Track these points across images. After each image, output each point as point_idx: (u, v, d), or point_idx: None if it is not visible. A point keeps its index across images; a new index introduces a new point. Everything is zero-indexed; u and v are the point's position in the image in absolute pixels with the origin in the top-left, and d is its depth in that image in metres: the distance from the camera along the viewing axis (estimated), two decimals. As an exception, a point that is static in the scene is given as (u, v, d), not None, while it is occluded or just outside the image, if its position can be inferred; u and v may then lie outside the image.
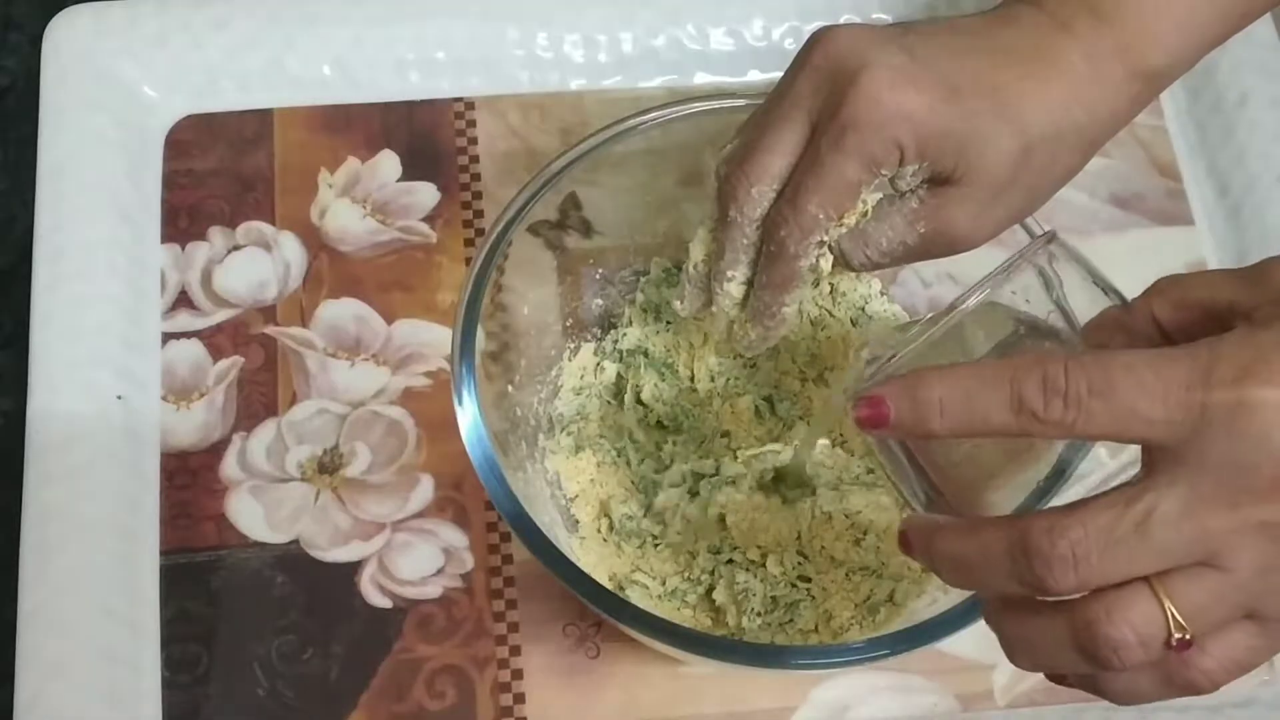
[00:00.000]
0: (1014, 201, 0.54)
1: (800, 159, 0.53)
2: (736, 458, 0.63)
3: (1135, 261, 0.73)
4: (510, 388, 0.62)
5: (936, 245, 0.55)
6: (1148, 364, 0.40)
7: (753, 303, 0.56)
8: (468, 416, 0.57)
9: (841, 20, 0.76)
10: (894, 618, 0.60)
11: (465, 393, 0.57)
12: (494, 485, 0.55)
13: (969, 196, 0.53)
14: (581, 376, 0.66)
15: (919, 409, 0.42)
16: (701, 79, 0.76)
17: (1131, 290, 0.72)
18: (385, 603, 0.64)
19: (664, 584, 0.62)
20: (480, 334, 0.58)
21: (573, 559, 0.56)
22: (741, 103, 0.63)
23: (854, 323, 0.66)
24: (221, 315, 0.70)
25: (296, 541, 0.65)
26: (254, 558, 0.64)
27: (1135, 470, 0.43)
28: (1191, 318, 0.46)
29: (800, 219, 0.52)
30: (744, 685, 0.62)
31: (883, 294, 0.67)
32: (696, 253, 0.57)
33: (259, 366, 0.68)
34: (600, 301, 0.67)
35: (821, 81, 0.52)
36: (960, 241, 0.54)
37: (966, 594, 0.54)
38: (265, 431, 0.67)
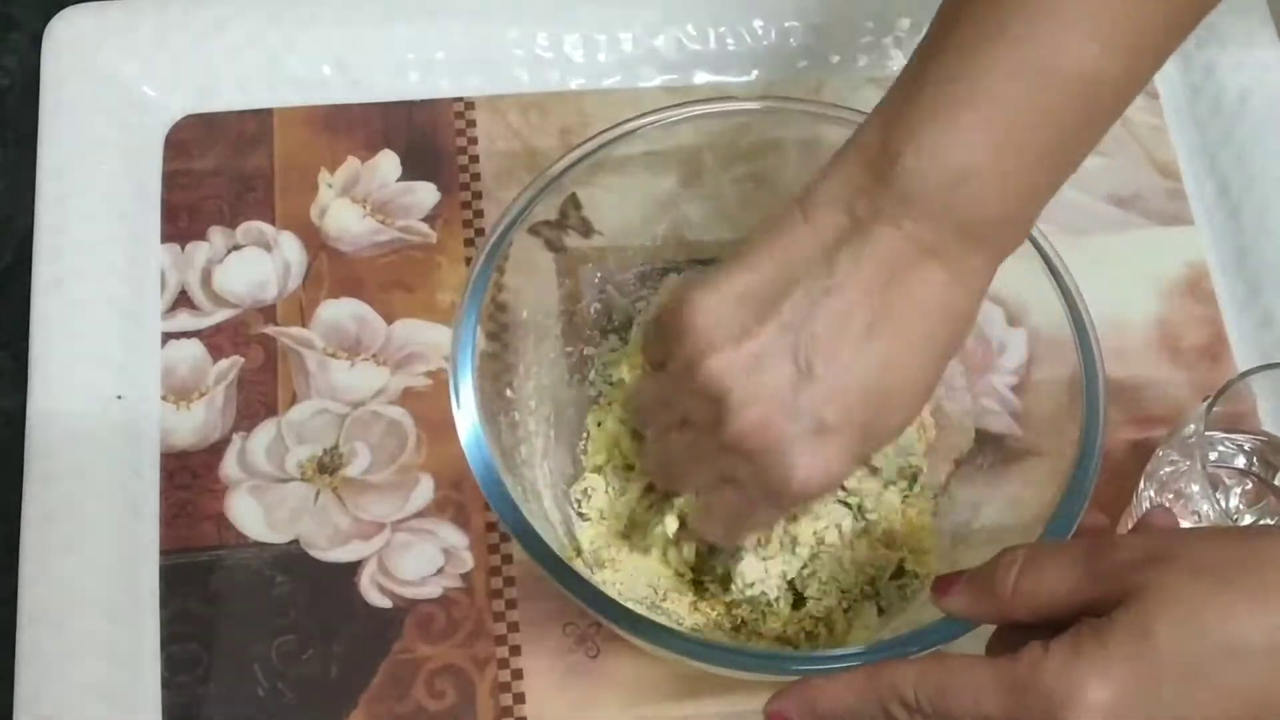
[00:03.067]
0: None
1: (722, 502, 0.56)
2: None
3: (1135, 261, 0.73)
4: (510, 391, 0.62)
5: None
6: (972, 687, 0.45)
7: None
8: (466, 420, 0.57)
9: (833, 19, 0.76)
10: (896, 617, 0.61)
11: (464, 395, 0.57)
12: (492, 489, 0.55)
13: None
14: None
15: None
16: (701, 79, 0.76)
17: (1132, 289, 0.72)
18: (385, 603, 0.64)
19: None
20: (480, 335, 0.58)
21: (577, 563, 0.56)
22: (741, 105, 0.63)
23: None
24: (221, 315, 0.70)
25: (296, 541, 0.65)
26: (254, 558, 0.64)
27: None
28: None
29: (730, 543, 0.60)
30: (745, 685, 0.62)
31: None
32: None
33: (259, 366, 0.68)
34: (599, 304, 0.67)
35: (744, 461, 0.53)
36: None
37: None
38: (265, 431, 0.67)
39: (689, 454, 0.56)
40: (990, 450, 0.63)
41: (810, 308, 0.51)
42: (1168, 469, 0.60)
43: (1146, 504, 0.62)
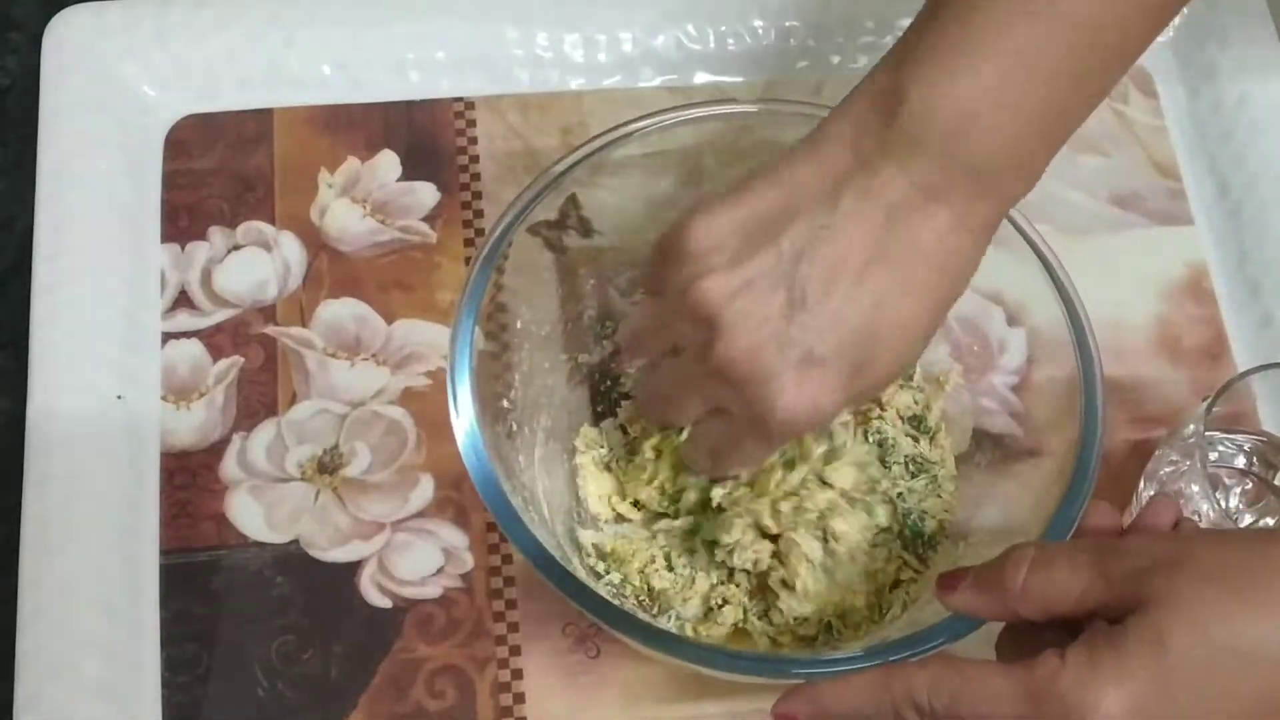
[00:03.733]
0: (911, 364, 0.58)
1: (715, 433, 0.57)
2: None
3: (1135, 261, 0.73)
4: (509, 393, 0.62)
5: None
6: (987, 694, 0.46)
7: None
8: (464, 426, 0.56)
9: (833, 19, 0.76)
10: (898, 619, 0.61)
11: (462, 401, 0.57)
12: (491, 495, 0.55)
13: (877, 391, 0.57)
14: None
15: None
16: (701, 79, 0.76)
17: (1132, 289, 0.72)
18: (385, 602, 0.64)
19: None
20: (479, 334, 0.58)
21: (577, 567, 0.56)
22: (740, 109, 0.63)
23: None
24: (221, 315, 0.70)
25: (296, 541, 0.65)
26: (254, 557, 0.64)
27: None
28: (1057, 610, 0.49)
29: (718, 471, 0.60)
30: (745, 686, 0.62)
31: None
32: None
33: (259, 366, 0.68)
34: (599, 305, 0.67)
35: (732, 390, 0.53)
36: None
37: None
38: (265, 431, 0.67)
39: (679, 381, 0.56)
40: (990, 450, 0.63)
41: (809, 240, 0.51)
42: (1168, 469, 0.60)
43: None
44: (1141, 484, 0.62)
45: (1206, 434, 0.58)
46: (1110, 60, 0.51)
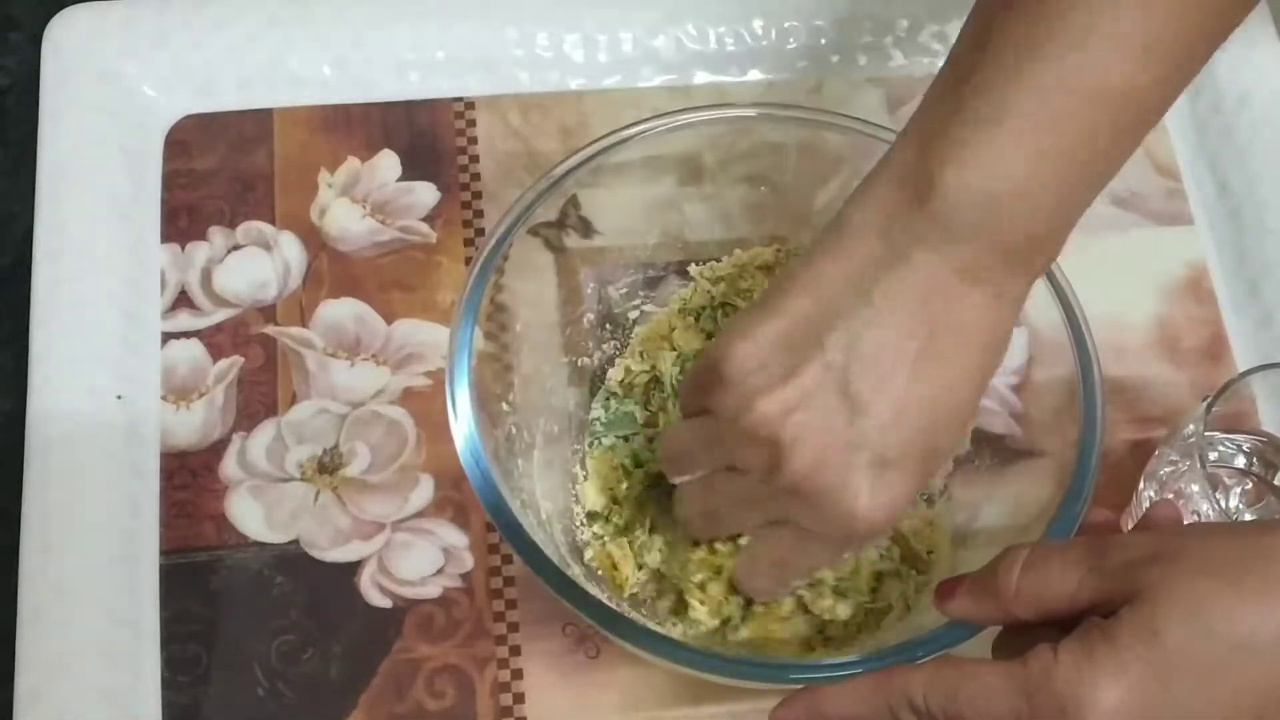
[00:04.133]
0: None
1: (788, 544, 0.56)
2: None
3: (1135, 261, 0.73)
4: (509, 394, 0.62)
5: None
6: (984, 692, 0.46)
7: None
8: (462, 429, 0.56)
9: (833, 19, 0.76)
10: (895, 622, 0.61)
11: (460, 405, 0.57)
12: (489, 499, 0.55)
13: None
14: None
15: None
16: (701, 79, 0.76)
17: (1132, 289, 0.72)
18: (385, 602, 0.64)
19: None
20: (479, 336, 0.58)
21: (576, 570, 0.56)
22: (739, 113, 0.63)
23: None
24: (221, 315, 0.70)
25: (296, 541, 0.65)
26: (254, 558, 0.64)
27: None
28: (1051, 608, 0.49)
29: (793, 578, 0.59)
30: (745, 688, 0.62)
31: None
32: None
33: (259, 366, 0.68)
34: (599, 306, 0.67)
35: (802, 505, 0.52)
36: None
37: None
38: (265, 431, 0.67)
39: (738, 500, 0.55)
40: (991, 451, 0.63)
41: (852, 342, 0.50)
42: (1168, 469, 0.60)
43: (1146, 504, 0.62)
44: (1141, 484, 0.62)
45: (1206, 434, 0.58)
46: (1139, 124, 0.50)
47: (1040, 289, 0.60)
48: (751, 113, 0.65)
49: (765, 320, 0.51)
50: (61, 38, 0.73)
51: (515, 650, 0.63)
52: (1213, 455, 0.63)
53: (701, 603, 0.61)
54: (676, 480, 0.59)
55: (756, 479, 0.53)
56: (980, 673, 0.46)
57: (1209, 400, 0.59)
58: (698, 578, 0.61)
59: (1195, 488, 0.58)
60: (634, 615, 0.60)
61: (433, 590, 0.64)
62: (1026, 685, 0.45)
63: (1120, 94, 0.48)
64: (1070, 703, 0.44)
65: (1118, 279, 0.72)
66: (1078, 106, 0.48)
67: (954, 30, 0.76)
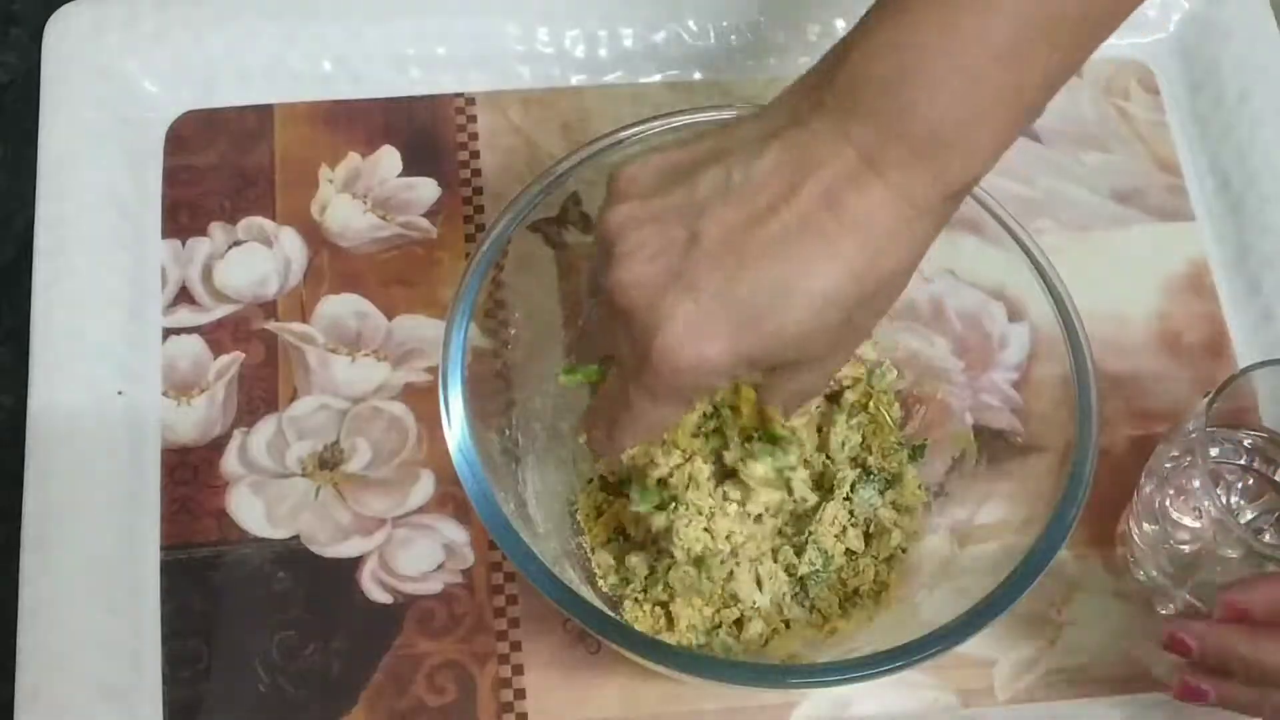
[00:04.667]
0: (843, 351, 0.54)
1: (608, 390, 0.54)
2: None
3: (1136, 257, 0.73)
4: (509, 391, 0.62)
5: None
6: None
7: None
8: (455, 435, 0.56)
9: (833, 17, 0.76)
10: (883, 610, 0.61)
11: (453, 408, 0.57)
12: (483, 504, 0.56)
13: (806, 373, 0.54)
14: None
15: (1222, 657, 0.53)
16: (702, 75, 0.76)
17: (1133, 285, 0.72)
18: (386, 598, 0.64)
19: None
20: (476, 332, 0.58)
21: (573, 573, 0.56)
22: (740, 113, 0.63)
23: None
24: (222, 311, 0.70)
25: (297, 537, 0.65)
26: (255, 553, 0.64)
27: None
28: None
29: (615, 448, 0.55)
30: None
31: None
32: None
33: (260, 362, 0.68)
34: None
35: (618, 322, 0.51)
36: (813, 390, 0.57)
37: (957, 608, 0.55)
38: (266, 427, 0.67)
39: (590, 321, 0.54)
40: (991, 447, 0.63)
41: (725, 184, 0.49)
42: (1169, 465, 0.60)
43: (1148, 499, 0.62)
44: (1143, 480, 0.62)
45: (1208, 430, 0.58)
46: (1067, 45, 0.49)
47: (1035, 285, 0.61)
48: (751, 112, 0.65)
49: (667, 153, 0.51)
50: (62, 33, 0.73)
51: (516, 646, 0.63)
52: (1214, 451, 0.63)
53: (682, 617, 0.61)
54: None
55: (597, 293, 0.52)
56: None
57: (1210, 397, 0.59)
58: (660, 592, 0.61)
59: (1196, 483, 0.58)
60: (628, 620, 0.60)
61: (433, 586, 0.64)
62: None
63: (1040, 16, 0.47)
64: None
65: (1119, 275, 0.72)
66: (996, 19, 0.47)
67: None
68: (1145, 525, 0.62)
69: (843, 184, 0.48)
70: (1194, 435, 0.58)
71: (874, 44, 0.48)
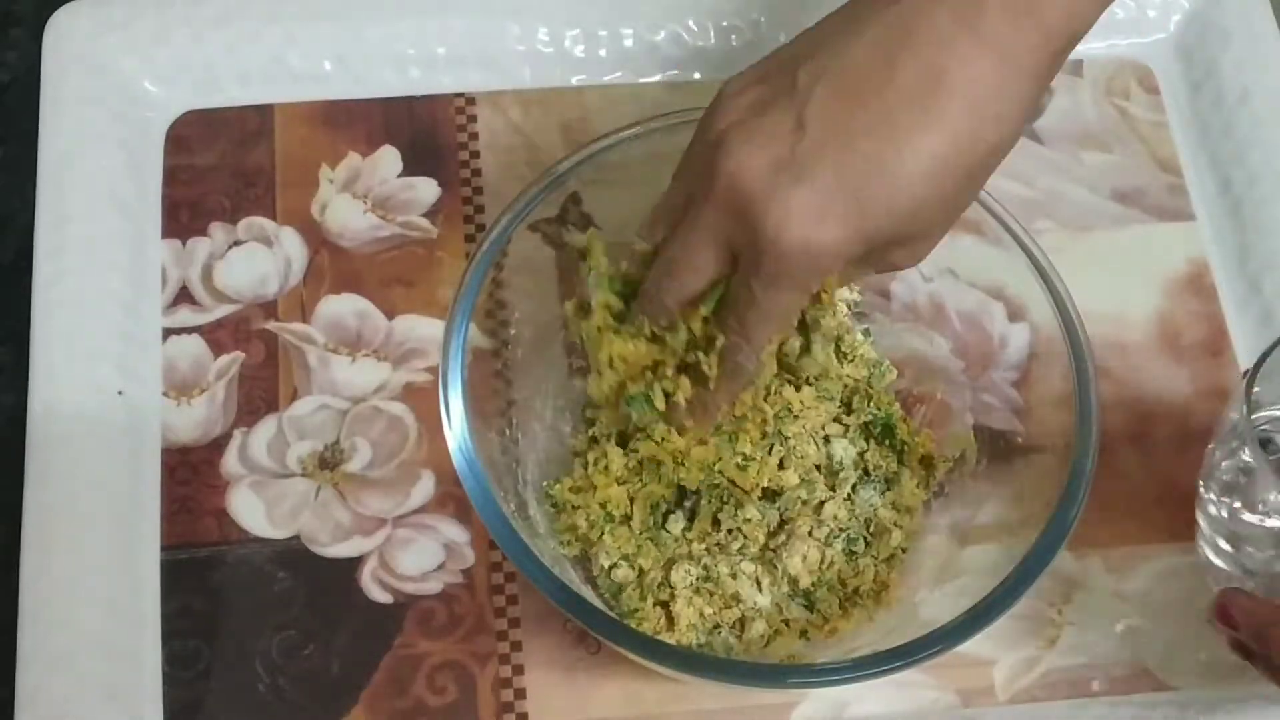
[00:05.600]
0: (948, 224, 0.54)
1: (733, 289, 0.53)
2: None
3: (1136, 257, 0.73)
4: (509, 390, 0.62)
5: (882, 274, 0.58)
6: None
7: (704, 399, 0.57)
8: (455, 436, 0.56)
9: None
10: (883, 609, 0.61)
11: (454, 408, 0.57)
12: (484, 506, 0.56)
13: (906, 249, 0.54)
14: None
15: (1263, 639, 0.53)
16: (702, 75, 0.76)
17: (1133, 285, 0.72)
18: (386, 598, 0.64)
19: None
20: (476, 332, 0.58)
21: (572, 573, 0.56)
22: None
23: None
24: (222, 311, 0.70)
25: (297, 537, 0.65)
26: (255, 553, 0.65)
27: None
28: None
29: (753, 345, 0.54)
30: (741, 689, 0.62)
31: (864, 334, 0.67)
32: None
33: (260, 362, 0.68)
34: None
35: (731, 219, 0.51)
36: (904, 266, 0.56)
37: (957, 608, 0.55)
38: (266, 427, 0.67)
39: (687, 232, 0.53)
40: (991, 447, 0.63)
41: (825, 68, 0.49)
42: (1224, 463, 0.58)
43: (1210, 507, 0.60)
44: (1201, 488, 0.60)
45: (1252, 417, 0.56)
46: None
47: (1035, 285, 0.61)
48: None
49: (767, 56, 0.52)
50: (62, 33, 0.73)
51: (516, 646, 0.63)
52: (1268, 427, 0.60)
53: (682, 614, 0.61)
54: (652, 239, 0.56)
55: (700, 195, 0.51)
56: None
57: (1246, 381, 0.56)
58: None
59: (1257, 475, 0.56)
60: (628, 620, 0.60)
61: (434, 586, 0.64)
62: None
63: None
64: None
65: (1119, 275, 0.72)
66: None
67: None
68: (1220, 543, 0.60)
69: (938, 50, 0.48)
70: (1237, 419, 0.56)
71: None
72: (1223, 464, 0.59)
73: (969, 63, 0.48)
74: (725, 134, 0.50)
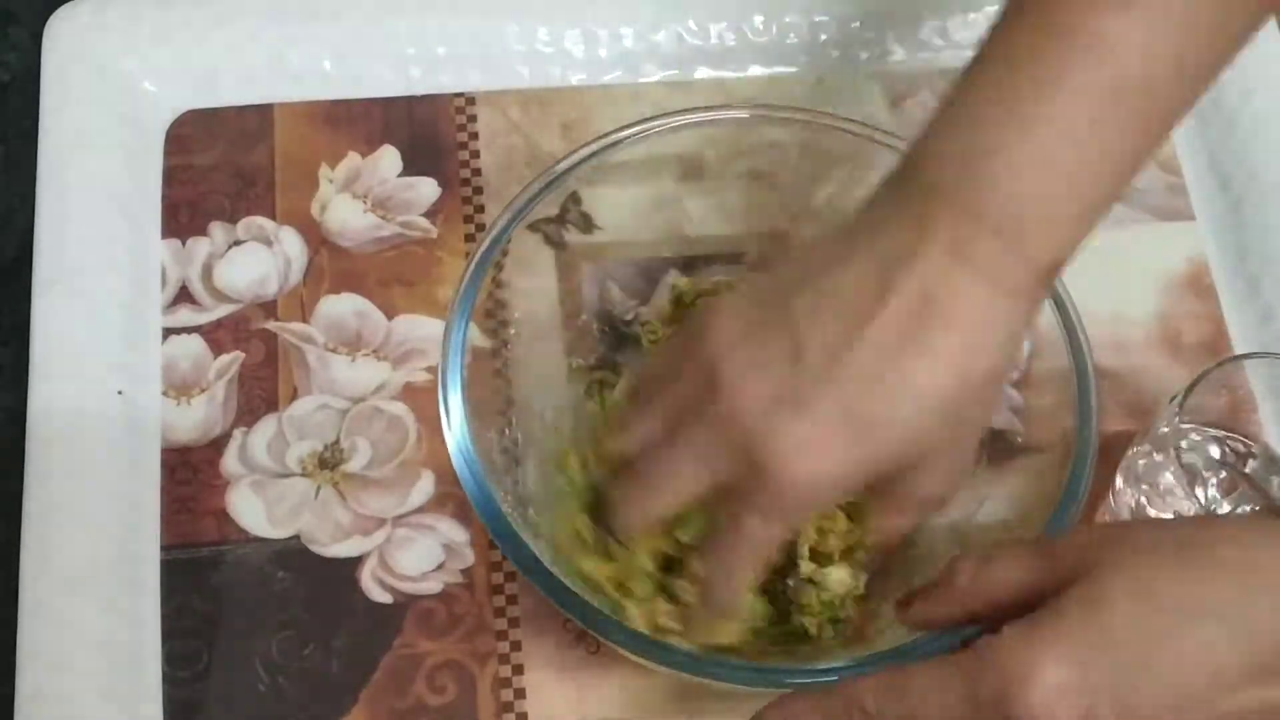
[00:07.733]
0: (958, 442, 0.54)
1: (719, 520, 0.53)
2: None
3: (1135, 257, 0.73)
4: (509, 391, 0.62)
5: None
6: (931, 685, 0.45)
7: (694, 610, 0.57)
8: (454, 436, 0.57)
9: (833, 15, 0.76)
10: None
11: (453, 408, 0.57)
12: (484, 505, 0.56)
13: (924, 473, 0.54)
14: None
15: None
16: (702, 74, 0.76)
17: (1132, 285, 0.72)
18: (386, 598, 0.64)
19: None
20: (476, 332, 0.58)
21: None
22: (738, 115, 0.64)
23: None
24: (222, 310, 0.70)
25: (297, 537, 0.65)
26: (255, 553, 0.65)
27: None
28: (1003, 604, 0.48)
29: (736, 578, 0.54)
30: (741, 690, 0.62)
31: None
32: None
33: (260, 362, 0.68)
34: (599, 303, 0.67)
35: (727, 448, 0.51)
36: (938, 492, 0.57)
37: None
38: (266, 427, 0.67)
39: (672, 453, 0.52)
40: (991, 446, 0.63)
41: (816, 300, 0.50)
42: (1141, 463, 0.60)
43: (1127, 499, 0.61)
44: (1118, 481, 0.62)
45: (1181, 427, 0.58)
46: (1150, 125, 0.49)
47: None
48: (748, 115, 0.65)
49: (751, 283, 0.52)
50: (62, 33, 0.73)
51: (516, 645, 0.63)
52: (1184, 444, 0.63)
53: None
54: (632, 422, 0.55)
55: (691, 418, 0.51)
56: (926, 667, 0.46)
57: (1180, 394, 0.58)
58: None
59: (1170, 479, 0.57)
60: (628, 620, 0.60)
61: (434, 586, 0.64)
62: (970, 666, 0.44)
63: (1129, 91, 0.47)
64: (1013, 677, 0.43)
65: (1118, 274, 0.72)
66: (1078, 104, 0.47)
67: (955, 26, 0.77)
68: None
69: (932, 281, 0.48)
70: (1165, 432, 0.58)
71: (940, 131, 0.49)
72: (1139, 463, 0.61)
73: (960, 292, 0.49)
74: (721, 358, 0.50)
